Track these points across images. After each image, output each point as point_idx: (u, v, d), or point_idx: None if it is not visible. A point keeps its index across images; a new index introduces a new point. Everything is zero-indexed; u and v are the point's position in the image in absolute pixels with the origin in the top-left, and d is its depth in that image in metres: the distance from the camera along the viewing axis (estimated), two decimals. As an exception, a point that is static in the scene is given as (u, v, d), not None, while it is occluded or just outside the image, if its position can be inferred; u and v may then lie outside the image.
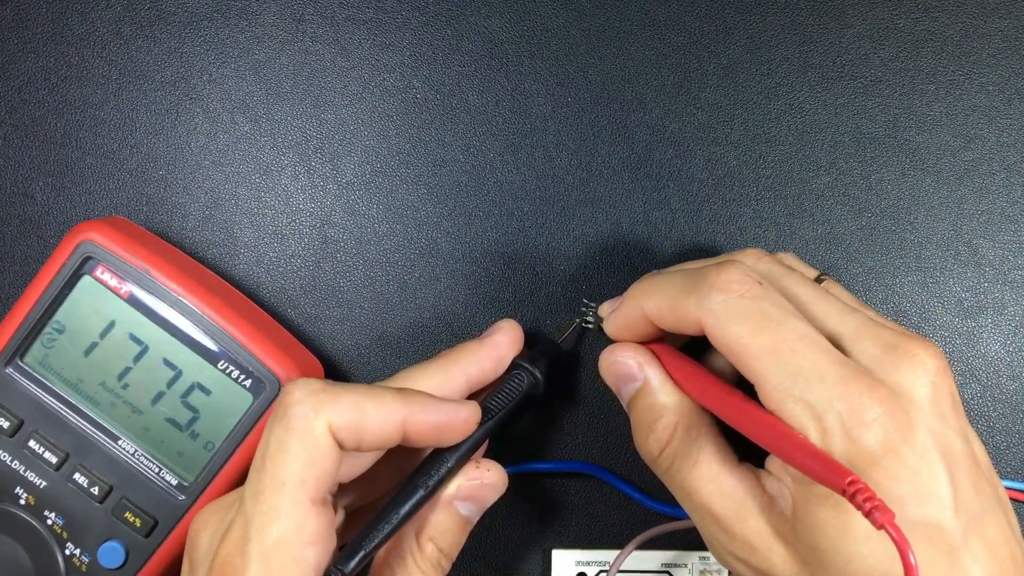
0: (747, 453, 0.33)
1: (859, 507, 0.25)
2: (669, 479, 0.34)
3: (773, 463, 0.32)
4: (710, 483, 0.32)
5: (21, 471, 0.38)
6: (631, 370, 0.35)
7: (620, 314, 0.35)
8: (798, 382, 0.29)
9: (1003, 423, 0.42)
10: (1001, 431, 0.42)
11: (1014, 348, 0.42)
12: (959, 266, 0.42)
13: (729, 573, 0.41)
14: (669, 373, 0.35)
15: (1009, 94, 0.42)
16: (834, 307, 0.32)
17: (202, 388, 0.38)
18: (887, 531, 0.25)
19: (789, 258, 0.37)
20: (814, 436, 0.29)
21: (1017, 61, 0.42)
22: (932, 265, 0.42)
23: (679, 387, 0.34)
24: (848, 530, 0.29)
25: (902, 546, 0.25)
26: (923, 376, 0.30)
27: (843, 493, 0.26)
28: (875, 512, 0.25)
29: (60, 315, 0.38)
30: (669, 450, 0.33)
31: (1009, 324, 0.42)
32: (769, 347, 0.30)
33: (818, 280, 0.36)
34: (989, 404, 0.42)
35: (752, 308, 0.31)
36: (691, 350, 0.36)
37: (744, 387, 0.32)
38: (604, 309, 0.38)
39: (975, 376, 0.42)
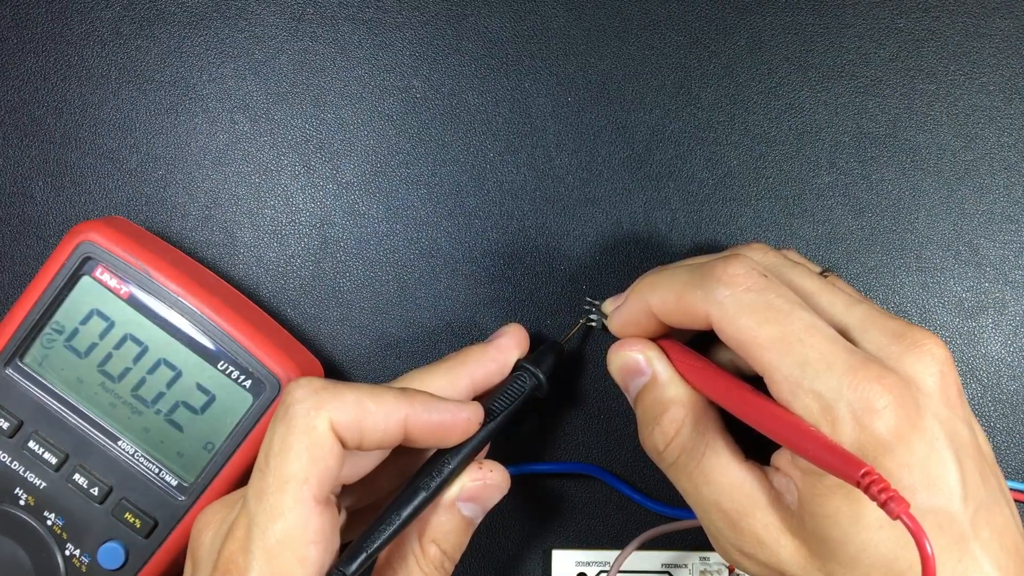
0: (751, 452, 0.33)
1: (874, 498, 0.25)
2: (675, 473, 0.34)
3: (779, 459, 0.32)
4: (719, 476, 0.32)
5: (21, 472, 0.38)
6: (639, 364, 0.35)
7: (624, 310, 0.35)
8: (807, 372, 0.29)
9: (1003, 423, 0.42)
10: (1001, 431, 0.42)
11: (1015, 348, 0.42)
12: (959, 266, 0.42)
13: (730, 572, 0.41)
14: (677, 368, 0.34)
15: (1009, 94, 0.42)
16: (840, 298, 0.32)
17: (202, 388, 0.38)
18: (903, 521, 0.25)
19: (793, 254, 0.37)
20: (825, 426, 0.29)
21: (1017, 61, 0.42)
22: (932, 265, 0.42)
23: (687, 381, 0.34)
24: (859, 519, 0.29)
25: (918, 536, 0.25)
26: (931, 365, 0.30)
27: (857, 485, 0.26)
28: (890, 503, 0.25)
29: (60, 316, 0.38)
30: (676, 444, 0.33)
31: (1010, 324, 0.42)
32: (777, 338, 0.30)
33: (822, 275, 0.36)
34: (989, 404, 0.42)
35: (759, 300, 0.31)
36: (694, 347, 0.36)
37: (751, 384, 0.32)
38: (608, 306, 0.38)
39: (976, 376, 0.42)
